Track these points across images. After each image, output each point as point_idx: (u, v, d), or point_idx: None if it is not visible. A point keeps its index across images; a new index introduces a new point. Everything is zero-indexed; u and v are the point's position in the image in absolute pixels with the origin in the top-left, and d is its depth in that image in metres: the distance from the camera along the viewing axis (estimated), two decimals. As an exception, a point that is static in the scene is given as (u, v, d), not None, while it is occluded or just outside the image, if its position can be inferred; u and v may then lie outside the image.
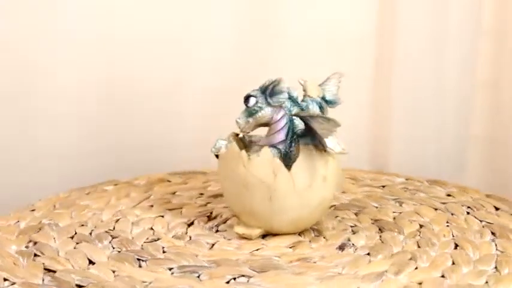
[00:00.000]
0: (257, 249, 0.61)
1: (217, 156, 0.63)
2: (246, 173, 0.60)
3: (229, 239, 0.63)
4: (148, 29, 0.85)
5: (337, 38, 0.88)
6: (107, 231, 0.64)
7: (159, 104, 0.87)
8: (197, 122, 0.88)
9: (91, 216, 0.68)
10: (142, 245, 0.61)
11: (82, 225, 0.66)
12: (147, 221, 0.67)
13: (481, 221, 0.66)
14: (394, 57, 0.87)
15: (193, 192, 0.74)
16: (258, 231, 0.63)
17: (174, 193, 0.74)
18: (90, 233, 0.64)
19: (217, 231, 0.65)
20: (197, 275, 0.56)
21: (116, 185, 0.76)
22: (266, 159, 0.60)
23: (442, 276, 0.55)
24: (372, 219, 0.67)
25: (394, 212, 0.68)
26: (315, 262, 0.58)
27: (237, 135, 0.64)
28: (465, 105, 0.88)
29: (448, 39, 0.86)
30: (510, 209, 0.68)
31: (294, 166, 0.60)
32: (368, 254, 0.59)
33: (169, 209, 0.70)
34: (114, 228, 0.65)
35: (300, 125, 0.61)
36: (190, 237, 0.64)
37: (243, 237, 0.63)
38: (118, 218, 0.67)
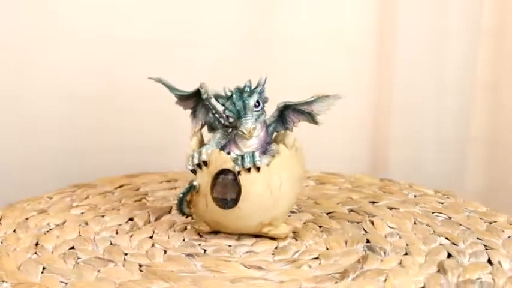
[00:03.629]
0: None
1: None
2: (301, 169, 0.61)
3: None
4: (149, 29, 0.85)
5: (337, 38, 0.88)
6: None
7: (158, 104, 0.87)
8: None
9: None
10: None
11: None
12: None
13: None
14: (394, 57, 0.87)
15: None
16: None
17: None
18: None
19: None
20: None
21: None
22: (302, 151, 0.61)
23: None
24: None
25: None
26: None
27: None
28: (465, 106, 0.88)
29: (448, 39, 0.86)
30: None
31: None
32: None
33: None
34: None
35: None
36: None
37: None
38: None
